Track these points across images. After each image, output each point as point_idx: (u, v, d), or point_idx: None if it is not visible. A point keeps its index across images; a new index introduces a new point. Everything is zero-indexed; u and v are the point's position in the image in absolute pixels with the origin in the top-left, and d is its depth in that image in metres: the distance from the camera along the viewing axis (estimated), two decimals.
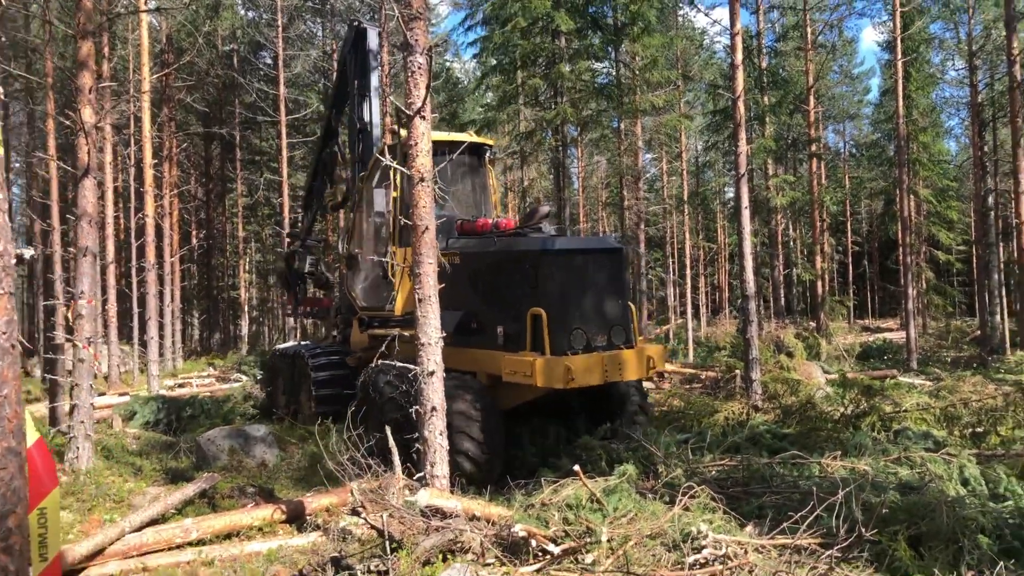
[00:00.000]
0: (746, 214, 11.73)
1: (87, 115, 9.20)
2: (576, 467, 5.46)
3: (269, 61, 24.56)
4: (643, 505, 5.80)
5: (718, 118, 21.21)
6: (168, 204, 23.53)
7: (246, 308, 25.05)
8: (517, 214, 21.80)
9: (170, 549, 6.51)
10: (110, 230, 18.08)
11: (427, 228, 6.19)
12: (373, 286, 10.89)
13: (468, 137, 11.24)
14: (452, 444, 6.88)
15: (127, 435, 11.24)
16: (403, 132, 9.87)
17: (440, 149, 9.52)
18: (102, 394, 16.65)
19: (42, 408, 13.11)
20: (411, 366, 6.26)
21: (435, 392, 6.18)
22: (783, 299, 25.20)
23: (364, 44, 11.81)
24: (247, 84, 22.28)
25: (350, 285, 11.45)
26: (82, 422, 9.07)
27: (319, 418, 8.63)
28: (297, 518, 7.37)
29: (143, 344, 27.80)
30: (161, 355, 24.11)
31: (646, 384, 14.71)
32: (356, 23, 12.02)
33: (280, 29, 21.24)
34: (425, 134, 6.23)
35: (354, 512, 5.53)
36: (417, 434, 6.29)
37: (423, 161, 6.20)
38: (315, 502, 7.55)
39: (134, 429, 11.58)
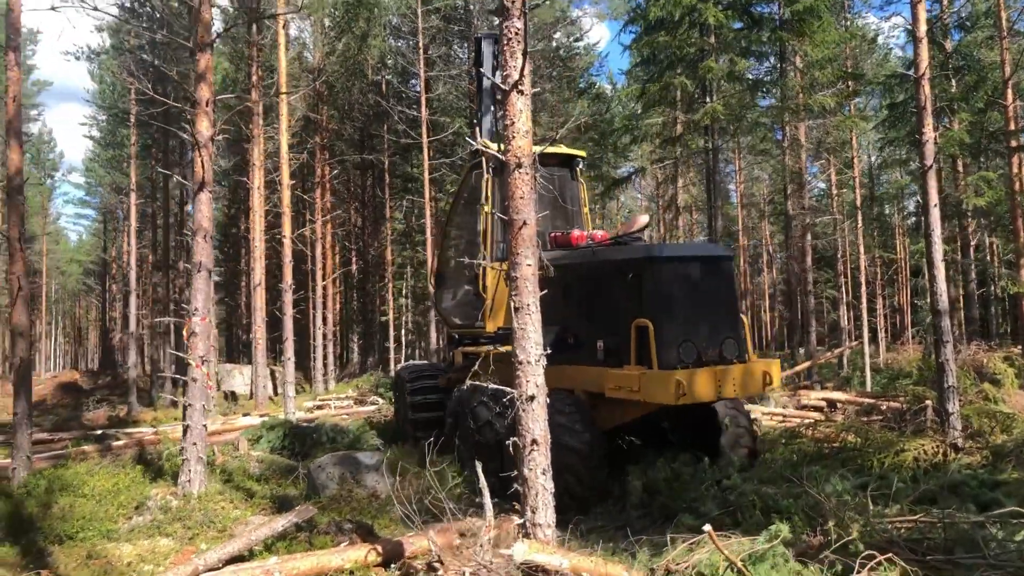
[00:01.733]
0: (935, 213, 9.77)
1: (204, 128, 8.98)
2: (707, 527, 4.15)
3: (417, 88, 24.65)
4: (807, 573, 4.38)
5: (896, 112, 18.72)
6: (320, 229, 24.03)
7: (392, 330, 25.02)
8: (670, 231, 20.35)
9: None
10: (259, 252, 18.42)
11: (525, 223, 5.14)
12: (463, 302, 10.51)
13: (561, 149, 10.71)
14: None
15: (251, 458, 10.94)
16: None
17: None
18: (247, 415, 16.88)
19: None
20: (506, 388, 5.20)
21: (535, 421, 5.07)
22: (978, 318, 21.93)
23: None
24: (391, 108, 22.39)
25: (440, 303, 10.88)
26: (194, 444, 8.74)
27: (418, 442, 8.01)
28: (395, 559, 6.47)
29: (301, 368, 28.69)
30: (312, 377, 24.59)
31: (814, 414, 12.86)
32: (479, 36, 11.39)
33: (421, 51, 21.17)
34: (524, 112, 5.20)
35: (429, 568, 4.51)
36: (515, 471, 5.21)
37: (521, 144, 5.17)
38: (416, 543, 6.63)
39: (258, 452, 11.29)
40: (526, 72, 5.17)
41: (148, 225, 30.04)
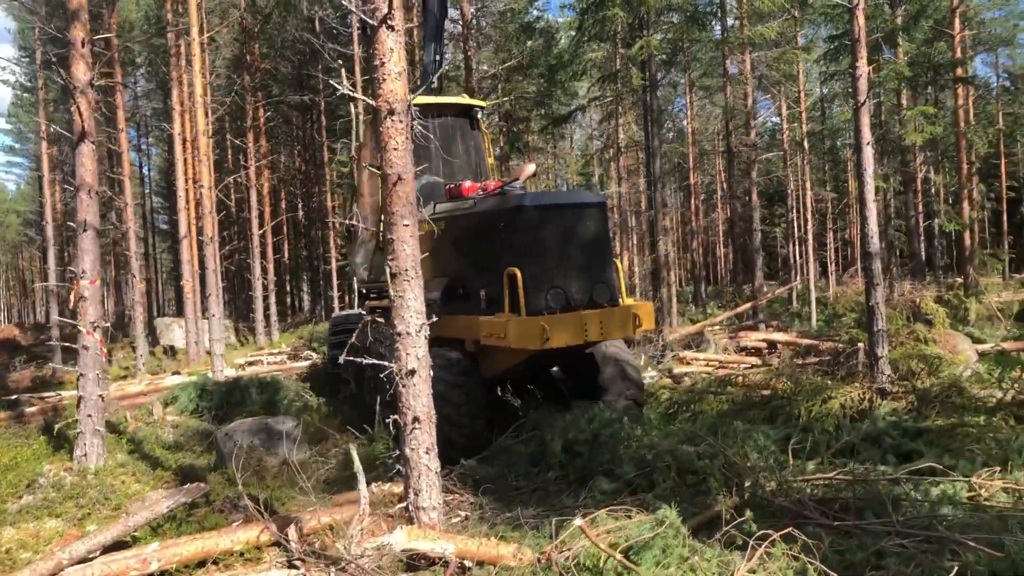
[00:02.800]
0: (868, 151, 9.42)
1: (80, 72, 8.16)
2: (579, 521, 3.79)
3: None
4: (698, 563, 4.06)
5: (837, 44, 18.23)
6: (253, 176, 23.03)
7: (335, 278, 24.33)
8: (619, 176, 19.80)
9: None
10: (182, 203, 17.48)
11: (400, 178, 4.61)
12: (368, 257, 10.29)
13: (457, 99, 10.64)
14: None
15: (165, 424, 10.42)
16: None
17: (428, 113, 9.57)
18: (176, 373, 16.26)
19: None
20: (384, 364, 4.75)
21: (417, 398, 4.64)
22: (923, 254, 21.99)
23: None
24: (322, 47, 21.20)
25: (351, 256, 10.51)
26: (89, 416, 8.19)
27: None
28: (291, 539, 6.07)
29: (245, 319, 27.93)
30: (254, 330, 23.93)
31: (750, 358, 12.70)
32: None
33: None
34: (395, 51, 4.61)
35: (290, 566, 4.10)
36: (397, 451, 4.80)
37: (393, 88, 4.59)
38: (313, 520, 6.23)
39: (173, 417, 10.76)
40: (397, 5, 4.57)
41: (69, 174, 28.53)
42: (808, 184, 23.04)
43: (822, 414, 8.41)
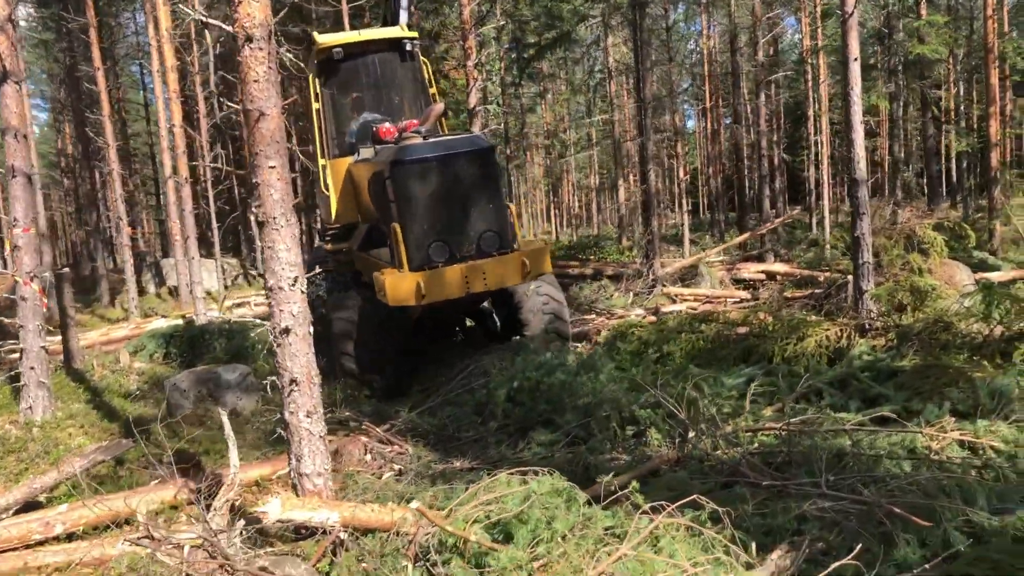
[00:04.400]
0: (855, 68, 8.63)
1: None
2: (415, 504, 3.41)
3: None
4: (584, 536, 3.67)
5: None
6: None
7: None
8: (610, 102, 18.88)
9: (26, 548, 5.17)
10: (166, 143, 17.04)
11: (262, 115, 4.11)
12: (323, 196, 10.25)
13: (383, 32, 10.17)
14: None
15: (132, 371, 10.26)
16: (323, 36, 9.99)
17: (356, 51, 9.70)
18: (164, 316, 16.16)
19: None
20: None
21: (293, 357, 4.25)
22: (940, 175, 20.89)
23: None
24: None
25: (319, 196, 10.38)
26: (32, 368, 7.96)
27: None
28: (212, 496, 5.82)
29: (245, 257, 27.79)
30: (255, 269, 23.77)
31: (741, 293, 12.17)
32: None
33: None
34: None
35: (136, 544, 3.79)
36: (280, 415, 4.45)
37: (250, 11, 4.05)
38: (240, 475, 5.97)
39: (142, 364, 10.59)
40: None
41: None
42: (825, 104, 21.88)
43: (796, 354, 7.94)
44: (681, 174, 25.72)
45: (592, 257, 16.09)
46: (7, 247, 8.06)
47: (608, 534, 3.77)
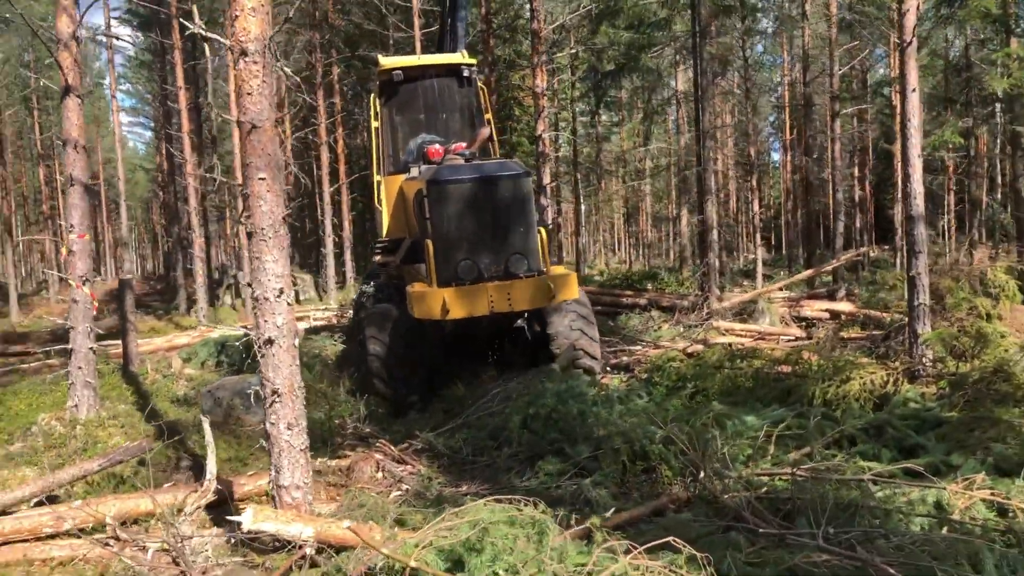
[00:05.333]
0: (914, 99, 8.23)
1: (63, 25, 8.12)
2: (346, 523, 3.32)
3: None
4: (544, 568, 3.50)
5: None
6: (323, 134, 23.17)
7: None
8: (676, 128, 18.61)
9: (37, 540, 5.33)
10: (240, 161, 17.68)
11: (254, 127, 4.17)
12: (377, 212, 10.57)
13: (442, 58, 10.61)
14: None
15: (182, 377, 10.58)
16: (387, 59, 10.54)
17: (416, 74, 10.09)
18: (231, 326, 16.64)
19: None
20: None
21: (276, 369, 4.26)
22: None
23: None
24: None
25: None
26: (79, 368, 8.29)
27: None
28: (224, 503, 5.89)
29: (313, 270, 28.49)
30: (324, 287, 24.32)
31: (795, 331, 11.69)
32: None
33: None
34: None
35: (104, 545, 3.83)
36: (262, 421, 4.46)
37: (246, 26, 4.13)
38: (248, 484, 6.03)
39: (193, 370, 10.91)
40: None
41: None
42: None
43: (838, 397, 7.52)
44: (755, 207, 25.01)
45: (650, 287, 15.78)
46: (63, 252, 8.45)
47: (575, 571, 3.60)
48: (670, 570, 3.68)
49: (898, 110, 8.48)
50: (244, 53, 4.12)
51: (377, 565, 3.32)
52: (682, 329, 11.93)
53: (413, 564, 3.09)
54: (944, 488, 4.59)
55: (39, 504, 5.72)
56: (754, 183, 25.69)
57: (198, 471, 6.38)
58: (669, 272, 18.51)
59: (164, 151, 32.73)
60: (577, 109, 30.68)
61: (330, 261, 23.83)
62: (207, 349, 11.25)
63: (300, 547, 4.07)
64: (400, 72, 10.07)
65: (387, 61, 10.44)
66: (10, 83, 34.98)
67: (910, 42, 8.16)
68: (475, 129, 10.15)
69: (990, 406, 6.71)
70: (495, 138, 10.41)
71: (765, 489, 5.08)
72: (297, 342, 4.33)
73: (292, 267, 18.50)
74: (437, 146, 9.52)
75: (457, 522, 3.63)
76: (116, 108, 20.21)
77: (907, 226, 8.43)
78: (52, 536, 5.35)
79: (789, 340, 11.12)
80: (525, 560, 3.46)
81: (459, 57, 10.53)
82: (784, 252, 34.14)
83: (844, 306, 13.60)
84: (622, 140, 37.90)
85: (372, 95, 10.56)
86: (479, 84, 10.65)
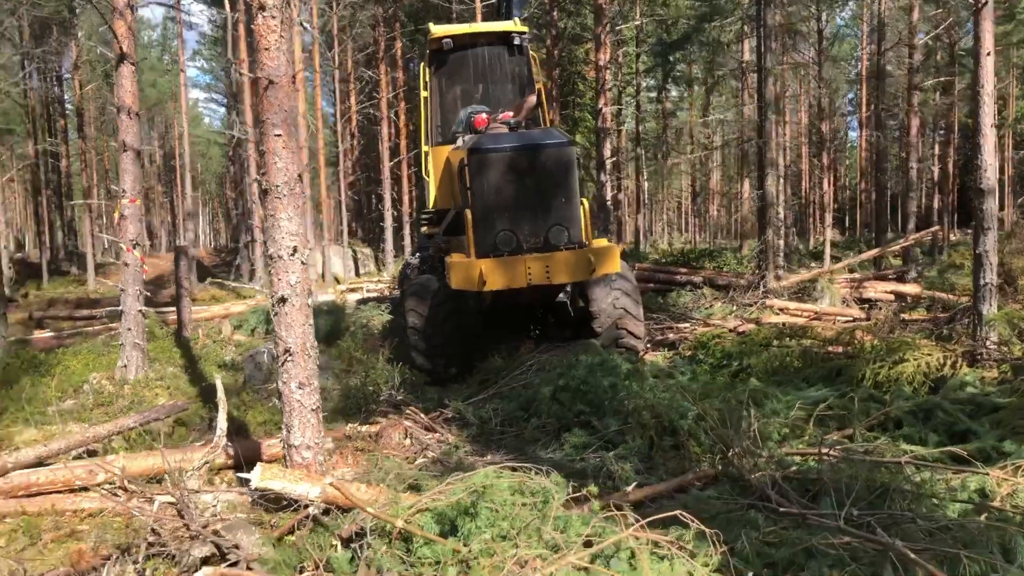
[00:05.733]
0: (988, 63, 7.69)
1: None
2: (329, 479, 3.25)
3: None
4: (543, 536, 3.40)
5: None
6: (385, 109, 23.29)
7: None
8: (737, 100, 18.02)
9: (71, 492, 5.50)
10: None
11: (271, 83, 4.13)
12: (424, 183, 10.49)
13: (493, 26, 10.38)
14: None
15: (230, 342, 10.82)
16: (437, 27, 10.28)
17: (466, 42, 9.86)
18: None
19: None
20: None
21: (289, 328, 4.24)
22: None
23: None
24: None
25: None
26: (129, 329, 8.54)
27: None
28: (251, 463, 5.97)
29: (374, 245, 28.84)
30: (383, 260, 24.60)
31: (854, 311, 11.21)
32: None
33: None
34: None
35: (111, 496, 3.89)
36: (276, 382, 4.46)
37: None
38: (277, 446, 6.09)
39: (242, 337, 11.14)
40: None
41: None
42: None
43: (890, 378, 7.15)
44: (825, 186, 24.12)
45: (708, 265, 15.38)
46: (115, 216, 8.68)
47: (574, 540, 3.49)
48: (678, 545, 3.53)
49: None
50: (263, 8, 4.07)
51: (367, 527, 3.26)
52: (735, 308, 11.57)
53: (400, 524, 3.02)
54: (987, 473, 4.29)
55: (77, 458, 5.93)
56: (825, 161, 24.74)
57: (231, 431, 6.50)
58: (732, 251, 18.01)
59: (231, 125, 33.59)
60: (644, 84, 30.10)
61: (388, 235, 24.06)
62: (256, 316, 11.48)
63: (306, 507, 4.06)
64: (450, 40, 9.93)
65: (438, 29, 10.31)
66: (93, 59, 36.27)
67: (985, 3, 7.61)
68: (516, 100, 9.97)
69: None
70: (544, 106, 10.19)
71: (795, 469, 4.85)
72: (311, 301, 4.30)
73: (355, 241, 18.85)
74: (484, 115, 9.42)
75: (458, 487, 3.55)
76: (183, 81, 20.71)
77: (976, 200, 7.92)
78: (84, 489, 5.53)
79: (847, 321, 10.65)
80: (522, 527, 3.36)
81: (510, 25, 10.32)
82: (858, 234, 32.89)
83: (911, 288, 12.97)
84: (691, 115, 37.03)
85: (422, 64, 10.48)
86: (531, 53, 10.46)
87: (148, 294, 8.92)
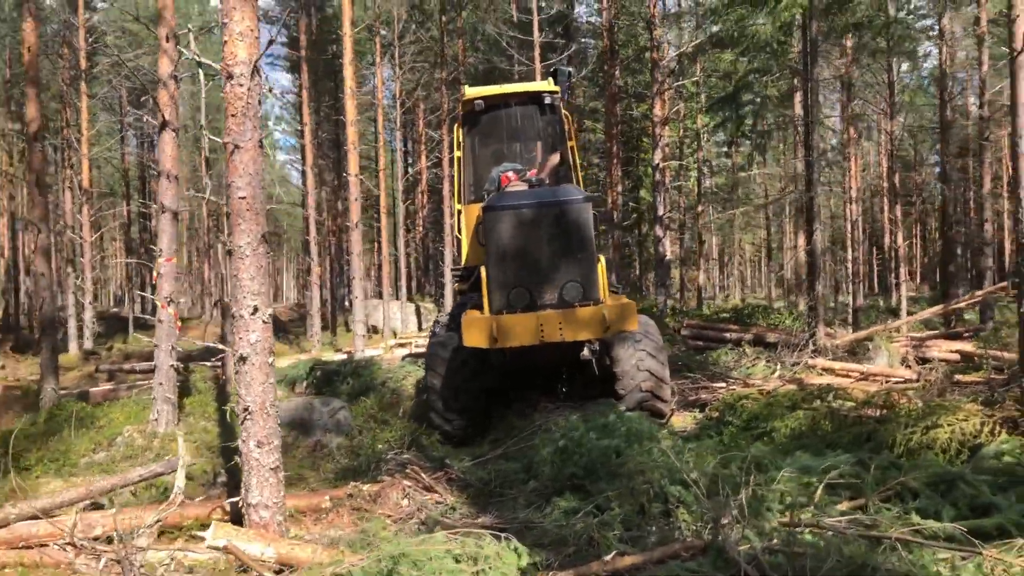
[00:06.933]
0: None
1: (164, 66, 8.82)
2: (223, 542, 3.20)
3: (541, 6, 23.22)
4: None
5: None
6: (447, 167, 23.83)
7: None
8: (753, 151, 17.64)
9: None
10: (355, 192, 18.49)
11: (237, 147, 4.28)
12: (459, 242, 10.69)
13: (524, 86, 10.55)
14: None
15: None
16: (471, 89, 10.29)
17: (498, 103, 9.87)
18: (339, 351, 17.30)
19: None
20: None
21: (248, 387, 4.30)
22: None
23: None
24: (499, 33, 21.20)
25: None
26: (161, 384, 8.84)
27: None
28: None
29: (436, 300, 29.21)
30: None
31: (905, 372, 10.61)
32: None
33: None
34: (238, 9, 4.28)
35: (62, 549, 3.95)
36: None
37: (233, 50, 4.26)
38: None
39: (279, 392, 11.35)
40: None
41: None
42: None
43: (922, 445, 6.68)
44: (899, 240, 23.18)
45: (761, 322, 14.89)
46: (154, 275, 9.08)
47: None
48: None
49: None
50: (231, 76, 4.24)
51: None
52: (778, 366, 11.11)
53: None
54: (980, 553, 3.91)
55: (90, 509, 6.10)
56: (899, 213, 23.86)
57: (233, 487, 6.58)
58: (789, 307, 17.42)
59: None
60: (709, 138, 29.88)
61: (447, 290, 24.35)
62: (296, 371, 11.69)
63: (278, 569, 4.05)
64: (481, 101, 10.13)
65: (471, 91, 10.55)
66: (184, 122, 38.62)
67: (1020, 50, 7.27)
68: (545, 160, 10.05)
69: None
70: (577, 164, 10.20)
71: (776, 542, 4.54)
72: (272, 360, 4.34)
73: (418, 297, 19.18)
74: (511, 173, 9.51)
75: (386, 550, 3.47)
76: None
77: (1019, 257, 7.45)
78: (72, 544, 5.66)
79: (897, 382, 10.07)
80: None
81: (542, 85, 10.49)
82: (938, 289, 31.35)
83: (966, 345, 12.20)
84: (762, 170, 36.48)
85: (455, 125, 10.70)
86: (563, 112, 10.55)
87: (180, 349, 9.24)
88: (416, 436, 7.79)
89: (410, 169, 28.84)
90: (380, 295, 24.02)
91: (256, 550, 4.10)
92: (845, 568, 4.01)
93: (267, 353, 4.34)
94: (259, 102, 4.28)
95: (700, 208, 25.91)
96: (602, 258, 8.14)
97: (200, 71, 4.83)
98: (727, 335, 13.67)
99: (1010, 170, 18.87)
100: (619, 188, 26.24)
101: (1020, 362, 7.40)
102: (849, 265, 21.41)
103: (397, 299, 25.13)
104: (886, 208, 36.91)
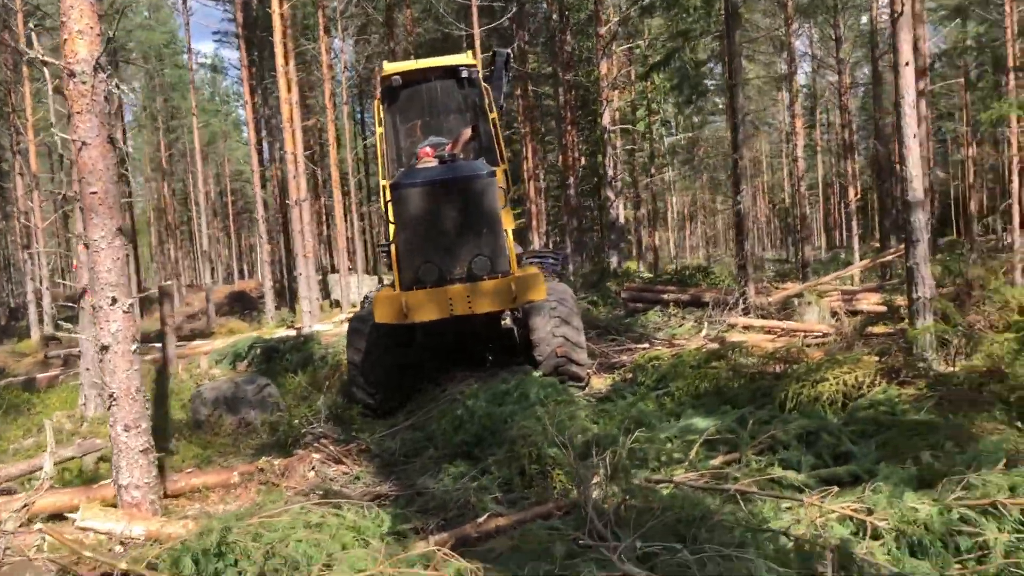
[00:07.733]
0: (907, 73, 7.50)
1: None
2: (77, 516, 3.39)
3: None
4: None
5: None
6: None
7: None
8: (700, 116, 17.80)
9: None
10: (299, 168, 18.48)
11: (84, 144, 4.38)
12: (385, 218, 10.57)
13: (441, 60, 10.37)
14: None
15: (206, 377, 11.18)
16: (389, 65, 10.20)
17: (415, 78, 9.80)
18: (291, 327, 17.41)
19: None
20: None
21: (112, 374, 4.45)
22: None
23: None
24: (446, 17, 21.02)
25: None
26: (87, 369, 8.95)
27: None
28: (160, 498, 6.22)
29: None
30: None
31: (822, 327, 10.93)
32: None
33: None
34: (76, 7, 4.35)
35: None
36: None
37: (73, 48, 4.34)
38: (182, 481, 6.36)
39: (219, 371, 11.51)
40: None
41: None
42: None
43: (810, 399, 6.97)
44: (851, 195, 23.52)
45: (702, 282, 15.16)
46: (75, 263, 9.14)
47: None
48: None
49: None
50: (72, 75, 4.33)
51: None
52: (705, 326, 11.40)
53: (122, 567, 3.16)
54: (800, 502, 4.18)
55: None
56: (847, 168, 24.19)
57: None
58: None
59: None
60: (668, 100, 29.93)
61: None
62: (235, 351, 11.82)
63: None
64: (399, 77, 10.13)
65: (389, 67, 10.52)
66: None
67: (901, 12, 7.45)
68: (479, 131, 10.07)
69: (966, 409, 6.04)
70: (499, 137, 10.26)
71: (633, 500, 4.80)
72: (135, 347, 4.49)
73: (384, 269, 19.09)
74: (428, 148, 9.57)
75: (228, 523, 3.67)
76: (193, 115, 21.54)
77: (904, 212, 7.70)
78: None
79: (817, 337, 10.39)
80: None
81: (459, 58, 10.48)
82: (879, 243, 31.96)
83: (904, 299, 12.54)
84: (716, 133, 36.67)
85: (375, 101, 10.71)
86: (483, 85, 10.58)
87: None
88: (338, 410, 7.98)
89: (365, 142, 28.66)
90: (335, 269, 24.08)
91: (121, 528, 4.30)
92: (686, 517, 4.26)
93: (129, 341, 4.49)
94: (105, 98, 4.37)
95: (654, 170, 26.01)
96: (509, 231, 8.30)
97: (45, 69, 4.90)
98: (665, 296, 13.93)
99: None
100: (574, 153, 26.30)
101: (909, 313, 7.69)
102: (798, 221, 21.74)
103: (355, 273, 25.20)
104: (846, 164, 37.42)
